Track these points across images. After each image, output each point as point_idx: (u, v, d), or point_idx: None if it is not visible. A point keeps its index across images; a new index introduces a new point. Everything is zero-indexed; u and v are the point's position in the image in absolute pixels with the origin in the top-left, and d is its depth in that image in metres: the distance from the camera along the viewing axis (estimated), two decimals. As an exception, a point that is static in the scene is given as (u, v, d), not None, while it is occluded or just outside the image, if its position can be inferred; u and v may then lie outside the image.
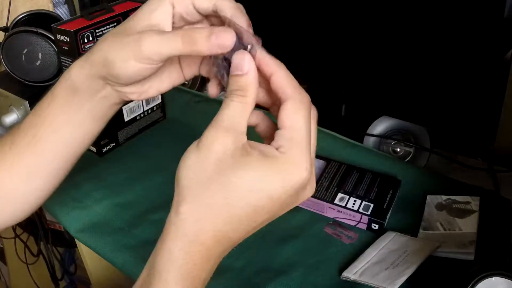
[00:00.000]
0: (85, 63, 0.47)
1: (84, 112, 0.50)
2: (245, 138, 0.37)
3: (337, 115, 0.95)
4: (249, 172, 0.35)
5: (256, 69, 0.38)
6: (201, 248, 0.38)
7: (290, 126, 0.36)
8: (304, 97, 0.38)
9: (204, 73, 0.50)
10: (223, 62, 0.42)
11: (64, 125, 0.51)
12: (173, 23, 0.45)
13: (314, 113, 0.40)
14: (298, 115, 0.37)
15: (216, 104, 1.01)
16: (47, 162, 0.53)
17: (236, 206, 0.36)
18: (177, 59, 0.50)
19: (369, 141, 0.92)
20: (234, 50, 0.40)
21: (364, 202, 0.72)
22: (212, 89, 0.46)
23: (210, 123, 0.37)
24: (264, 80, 0.39)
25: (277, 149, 0.36)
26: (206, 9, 0.45)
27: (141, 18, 0.44)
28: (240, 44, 0.40)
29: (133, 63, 0.43)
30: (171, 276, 0.38)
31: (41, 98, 0.52)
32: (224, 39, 0.39)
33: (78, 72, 0.48)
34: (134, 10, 0.86)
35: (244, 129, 0.38)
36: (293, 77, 0.38)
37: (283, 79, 0.38)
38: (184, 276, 0.38)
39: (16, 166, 0.52)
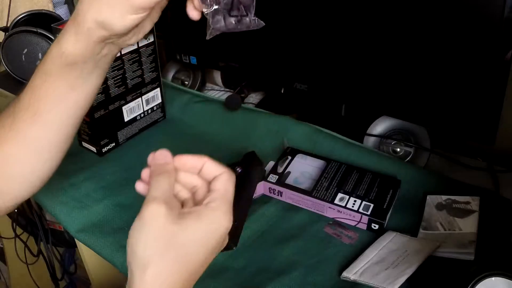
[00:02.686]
0: (79, 35, 0.48)
1: (86, 75, 0.52)
2: (177, 201, 0.47)
3: (337, 115, 0.95)
4: (195, 232, 0.43)
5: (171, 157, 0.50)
6: None
7: (223, 189, 0.46)
8: (233, 173, 0.48)
9: None
10: None
11: (67, 94, 0.52)
12: None
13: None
14: (230, 182, 0.47)
15: (216, 104, 1.02)
16: (53, 133, 0.54)
17: (194, 260, 0.43)
18: None
19: (369, 141, 0.92)
20: None
21: (364, 202, 0.72)
22: (192, 12, 0.48)
23: (146, 198, 0.46)
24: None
25: (208, 203, 0.45)
26: None
27: None
28: None
29: (130, 16, 0.46)
30: None
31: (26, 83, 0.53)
32: None
33: (73, 47, 0.49)
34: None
35: (172, 194, 0.47)
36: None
37: (213, 163, 0.48)
38: None
39: (22, 143, 0.53)
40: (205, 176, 0.49)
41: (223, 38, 0.52)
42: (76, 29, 0.48)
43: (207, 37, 0.48)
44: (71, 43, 0.49)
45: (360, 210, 0.71)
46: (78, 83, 0.52)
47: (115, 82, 0.86)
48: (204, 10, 0.46)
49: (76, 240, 0.79)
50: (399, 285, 0.59)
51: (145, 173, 0.50)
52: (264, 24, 0.46)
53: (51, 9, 1.25)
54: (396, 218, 0.72)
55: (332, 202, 0.73)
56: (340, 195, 0.74)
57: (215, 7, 0.45)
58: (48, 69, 0.51)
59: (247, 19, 0.46)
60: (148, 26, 0.52)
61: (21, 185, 0.57)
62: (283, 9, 0.88)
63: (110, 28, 0.47)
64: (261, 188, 0.78)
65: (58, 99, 0.52)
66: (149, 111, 0.97)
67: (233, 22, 0.46)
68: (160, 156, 0.51)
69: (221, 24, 0.46)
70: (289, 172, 0.80)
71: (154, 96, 0.96)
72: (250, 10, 0.45)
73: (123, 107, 0.90)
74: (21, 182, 0.57)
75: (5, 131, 0.53)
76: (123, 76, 0.88)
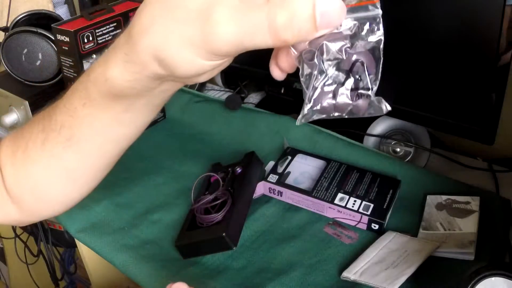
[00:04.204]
0: (130, 65, 0.36)
1: (135, 110, 0.41)
2: None
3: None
4: None
5: None
6: None
7: None
8: None
9: None
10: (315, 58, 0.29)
11: (110, 127, 0.43)
12: None
13: None
14: None
15: (216, 104, 1.02)
16: (91, 162, 0.47)
17: None
18: None
19: (369, 141, 0.91)
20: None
21: (364, 202, 0.72)
22: (275, 71, 0.35)
23: None
24: None
25: None
26: None
27: None
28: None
29: (204, 62, 0.32)
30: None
31: (60, 94, 0.44)
32: (333, 14, 0.28)
33: (120, 77, 0.37)
34: (134, 10, 0.86)
35: None
36: None
37: None
38: None
39: (55, 168, 0.47)
40: None
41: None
42: (126, 54, 0.35)
43: (298, 122, 0.31)
44: (118, 71, 0.36)
45: (360, 210, 0.71)
46: (124, 117, 0.42)
47: (115, 82, 0.86)
48: (304, 69, 0.30)
49: (76, 240, 0.79)
50: (399, 285, 0.59)
51: None
52: (390, 109, 0.30)
53: (51, 9, 1.25)
54: (396, 218, 0.72)
55: (332, 202, 0.73)
56: (340, 195, 0.74)
57: (326, 67, 0.29)
58: (90, 92, 0.40)
59: (371, 97, 0.30)
60: (227, 62, 0.36)
61: (52, 206, 0.52)
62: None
63: (172, 71, 0.34)
64: (261, 188, 0.78)
65: (99, 131, 0.43)
66: (149, 111, 0.97)
67: (348, 99, 0.30)
68: None
69: (327, 101, 0.30)
70: (289, 172, 0.80)
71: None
72: (374, 82, 0.29)
73: (123, 107, 0.90)
74: (53, 203, 0.52)
75: (35, 148, 0.46)
76: (123, 76, 0.88)
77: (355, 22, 0.28)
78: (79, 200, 0.54)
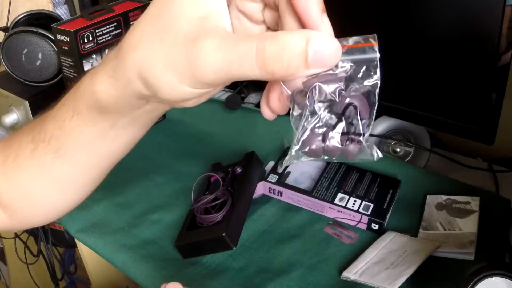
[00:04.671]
0: (115, 81, 0.35)
1: (120, 128, 0.41)
2: None
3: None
4: None
5: None
6: None
7: None
8: None
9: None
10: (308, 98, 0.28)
11: (96, 141, 0.43)
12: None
13: None
14: None
15: (216, 104, 1.02)
16: (78, 174, 0.48)
17: None
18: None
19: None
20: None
21: (364, 202, 0.72)
22: (266, 111, 0.34)
23: None
24: None
25: None
26: None
27: (186, 4, 0.30)
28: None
29: (187, 89, 0.32)
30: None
31: (54, 103, 0.44)
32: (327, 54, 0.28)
33: (105, 91, 0.36)
34: (134, 10, 0.86)
35: None
36: None
37: None
38: None
39: (46, 178, 0.47)
40: None
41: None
42: (113, 70, 0.35)
43: (285, 163, 0.30)
44: (104, 86, 0.36)
45: (360, 210, 0.71)
46: (110, 134, 0.42)
47: (115, 82, 0.86)
48: (295, 109, 0.29)
49: (76, 240, 0.79)
50: (399, 285, 0.59)
51: None
52: (381, 156, 0.30)
53: (51, 9, 1.25)
54: (396, 218, 0.72)
55: (332, 202, 0.73)
56: (340, 195, 0.74)
57: (318, 109, 0.28)
58: (77, 105, 0.40)
59: (363, 144, 0.29)
60: (215, 91, 0.35)
61: (43, 213, 0.53)
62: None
63: (154, 93, 0.33)
64: (261, 188, 0.78)
65: (85, 145, 0.43)
66: (149, 111, 0.97)
67: (338, 143, 0.29)
68: None
69: (316, 143, 0.29)
70: (289, 172, 0.80)
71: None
72: (367, 127, 0.29)
73: (123, 107, 0.90)
74: (44, 211, 0.52)
75: (25, 158, 0.46)
76: (123, 76, 0.88)
77: (352, 64, 0.28)
78: (72, 208, 0.54)
